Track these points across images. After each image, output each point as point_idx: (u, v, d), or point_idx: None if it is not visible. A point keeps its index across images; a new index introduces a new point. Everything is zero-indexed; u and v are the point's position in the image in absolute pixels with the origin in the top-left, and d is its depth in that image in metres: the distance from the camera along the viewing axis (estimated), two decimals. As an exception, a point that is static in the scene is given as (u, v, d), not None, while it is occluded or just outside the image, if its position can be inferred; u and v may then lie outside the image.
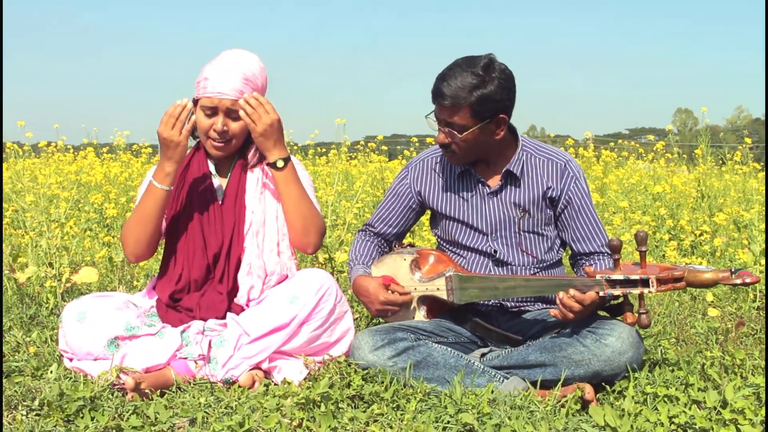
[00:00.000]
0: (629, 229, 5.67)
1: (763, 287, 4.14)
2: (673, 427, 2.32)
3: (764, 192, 5.99)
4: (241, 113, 2.85)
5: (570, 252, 3.06)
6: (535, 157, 2.97)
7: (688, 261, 4.82)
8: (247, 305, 2.96)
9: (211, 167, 3.05)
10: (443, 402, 2.49)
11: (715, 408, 2.35)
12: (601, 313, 2.83)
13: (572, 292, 2.61)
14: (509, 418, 2.34)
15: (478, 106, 2.73)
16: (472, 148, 2.85)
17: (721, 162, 8.24)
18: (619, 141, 11.93)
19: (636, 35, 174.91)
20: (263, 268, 2.99)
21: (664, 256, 5.32)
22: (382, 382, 2.64)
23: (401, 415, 2.43)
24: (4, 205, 6.26)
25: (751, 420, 2.27)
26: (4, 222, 5.92)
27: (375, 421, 2.42)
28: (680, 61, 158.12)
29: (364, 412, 2.45)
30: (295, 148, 10.95)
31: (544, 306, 3.02)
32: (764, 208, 5.20)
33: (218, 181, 3.05)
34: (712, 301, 4.20)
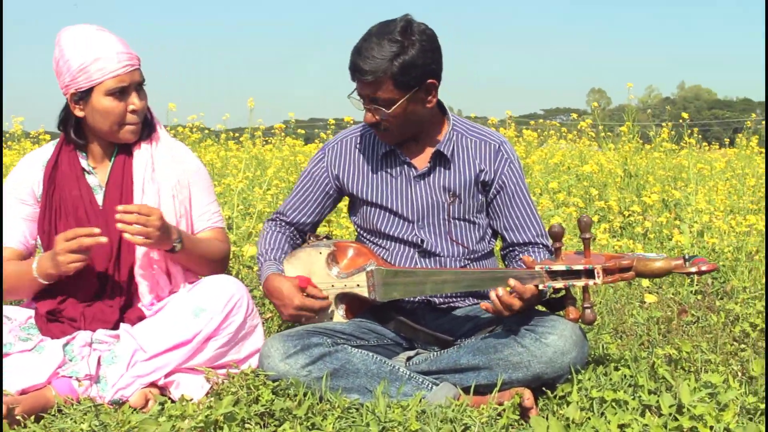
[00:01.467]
0: (556, 210, 5.45)
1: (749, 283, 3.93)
2: (625, 438, 2.06)
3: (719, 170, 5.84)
4: (127, 236, 2.46)
5: (502, 243, 2.78)
6: (466, 138, 2.69)
7: (619, 243, 4.60)
8: (151, 306, 2.61)
9: (85, 163, 2.67)
10: (365, 418, 2.18)
11: (670, 414, 2.10)
12: (541, 308, 2.56)
13: (513, 282, 2.33)
14: (442, 437, 2.04)
15: (401, 76, 2.43)
16: (405, 123, 2.56)
17: (644, 140, 8.12)
18: (540, 120, 11.79)
19: (546, 16, 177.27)
20: (164, 264, 2.64)
21: (594, 239, 5.10)
22: (295, 396, 2.31)
23: (317, 435, 2.12)
24: None
25: (712, 428, 2.02)
26: None
27: (287, 443, 2.11)
28: (592, 43, 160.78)
29: (275, 432, 2.13)
30: (206, 132, 10.49)
31: (477, 301, 2.74)
32: (711, 187, 5.04)
33: (95, 179, 2.67)
34: (649, 287, 3.99)
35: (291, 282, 2.59)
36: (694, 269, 2.23)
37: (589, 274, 2.29)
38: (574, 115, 7.32)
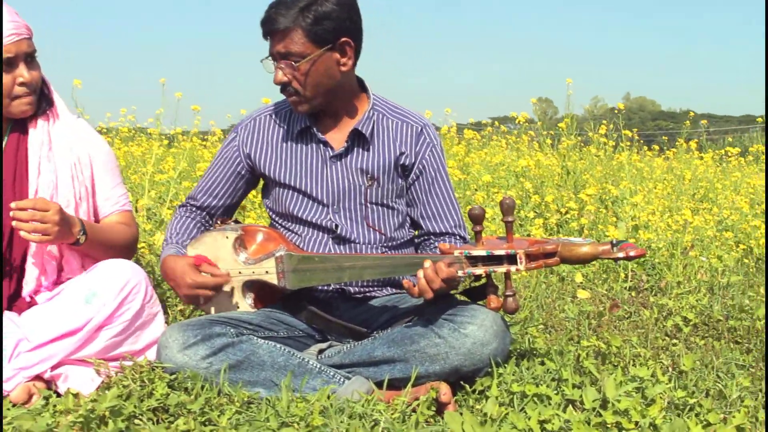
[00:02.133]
0: (493, 206, 5.32)
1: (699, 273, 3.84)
2: (545, 434, 1.91)
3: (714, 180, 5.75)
4: (23, 234, 2.27)
5: (418, 232, 2.63)
6: (388, 118, 2.53)
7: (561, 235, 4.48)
8: (34, 295, 2.41)
9: None
10: (265, 413, 2.00)
11: (594, 409, 1.96)
12: (462, 297, 2.41)
13: (428, 263, 2.17)
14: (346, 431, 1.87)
15: (314, 26, 2.31)
16: (317, 85, 2.40)
17: (583, 143, 8.04)
18: (488, 129, 11.66)
19: (491, 26, 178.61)
20: (59, 251, 2.44)
21: (529, 235, 4.98)
22: (193, 390, 2.13)
23: (211, 431, 1.94)
24: None
25: (637, 423, 1.89)
26: None
27: (178, 441, 1.92)
28: (539, 53, 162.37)
29: (167, 429, 1.95)
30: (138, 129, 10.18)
31: (395, 291, 2.58)
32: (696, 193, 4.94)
33: None
34: (582, 282, 3.88)
35: (185, 260, 2.41)
36: (621, 254, 2.09)
37: (511, 259, 2.15)
38: (521, 118, 7.19)
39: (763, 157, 8.27)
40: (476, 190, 5.80)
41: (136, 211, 4.16)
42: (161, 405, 2.07)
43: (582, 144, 8.23)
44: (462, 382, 2.24)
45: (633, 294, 3.72)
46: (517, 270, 2.15)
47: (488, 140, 10.33)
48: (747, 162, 10.36)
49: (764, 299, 3.45)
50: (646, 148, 10.75)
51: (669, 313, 3.22)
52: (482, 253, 2.16)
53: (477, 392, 2.22)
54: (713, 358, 2.62)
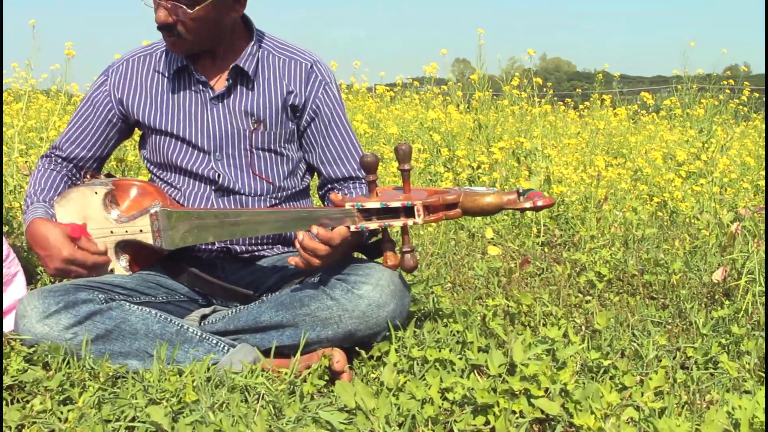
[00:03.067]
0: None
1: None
2: (446, 404, 1.74)
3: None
4: None
5: (319, 180, 2.42)
6: (273, 56, 2.32)
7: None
8: None
9: None
10: (132, 389, 1.78)
11: (500, 375, 1.79)
12: (359, 255, 2.22)
13: (316, 230, 1.98)
14: (219, 409, 1.67)
15: None
16: (204, 31, 2.18)
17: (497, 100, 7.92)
18: (399, 84, 11.48)
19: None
20: None
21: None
22: (50, 366, 1.90)
23: (69, 411, 1.71)
24: None
25: (547, 390, 1.73)
26: None
27: (33, 422, 1.70)
28: (456, 12, 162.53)
29: (20, 411, 1.71)
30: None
31: (285, 250, 2.38)
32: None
33: None
34: (492, 238, 3.73)
35: (61, 230, 2.15)
36: (528, 204, 1.92)
37: (408, 212, 1.96)
38: (431, 69, 7.01)
39: (678, 111, 8.26)
40: (384, 144, 5.60)
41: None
42: (16, 382, 1.84)
43: (495, 99, 8.10)
44: (357, 348, 2.05)
45: (546, 250, 3.59)
46: (415, 223, 1.96)
47: (401, 96, 10.15)
48: (660, 117, 10.38)
49: (610, 244, 3.35)
50: (561, 104, 10.69)
51: (582, 268, 3.09)
52: (376, 205, 1.96)
53: (374, 359, 2.04)
54: (628, 315, 2.49)
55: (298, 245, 2.01)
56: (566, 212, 4.06)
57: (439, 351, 1.97)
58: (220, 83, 2.27)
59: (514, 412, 1.69)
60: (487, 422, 1.69)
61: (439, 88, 7.41)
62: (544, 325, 2.32)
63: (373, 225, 1.98)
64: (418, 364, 1.96)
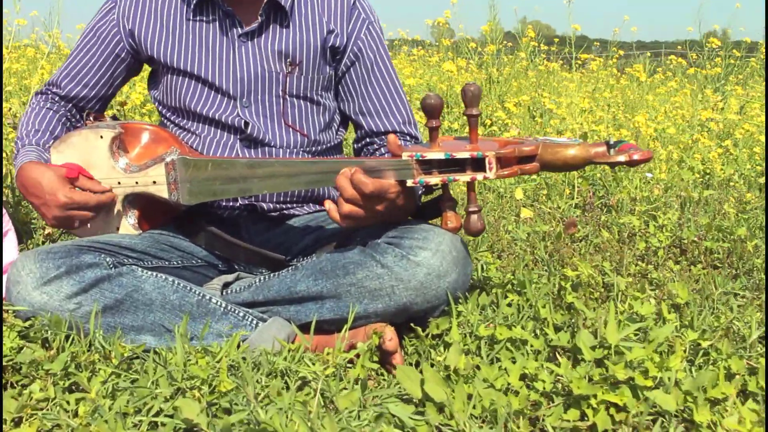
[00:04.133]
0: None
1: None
2: (532, 394, 1.45)
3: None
4: None
5: (356, 133, 2.12)
6: None
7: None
8: None
9: None
10: (152, 374, 1.48)
11: (596, 361, 1.50)
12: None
13: (356, 175, 1.66)
14: (260, 400, 1.37)
15: None
16: None
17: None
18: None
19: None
20: None
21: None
22: (51, 344, 1.60)
23: (77, 402, 1.41)
24: None
25: (657, 379, 1.44)
26: None
27: (33, 414, 1.40)
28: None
29: (17, 399, 1.42)
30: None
31: (318, 208, 2.07)
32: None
33: None
34: (521, 199, 3.43)
35: (54, 171, 1.84)
36: (622, 158, 1.62)
37: (478, 164, 1.66)
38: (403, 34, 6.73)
39: (691, 71, 7.96)
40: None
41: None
42: (11, 363, 1.54)
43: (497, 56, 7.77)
44: (412, 324, 1.76)
45: (580, 213, 3.30)
46: (485, 178, 1.66)
47: (398, 52, 9.80)
48: (655, 82, 10.07)
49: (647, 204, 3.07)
50: (559, 63, 10.38)
51: (632, 233, 2.80)
52: (439, 155, 1.66)
53: (432, 337, 1.75)
54: (704, 287, 2.21)
55: (342, 183, 1.68)
56: (594, 172, 3.77)
57: (510, 329, 1.68)
58: (250, 18, 1.96)
59: (616, 406, 1.40)
60: (583, 416, 1.40)
61: (449, 40, 7.06)
62: (616, 297, 2.03)
63: (435, 179, 1.68)
64: (485, 344, 1.67)
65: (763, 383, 1.50)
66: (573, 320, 1.77)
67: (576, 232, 2.77)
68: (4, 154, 2.86)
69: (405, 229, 1.77)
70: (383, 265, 1.72)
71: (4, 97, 3.70)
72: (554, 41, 7.84)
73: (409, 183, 1.68)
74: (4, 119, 3.58)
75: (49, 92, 2.09)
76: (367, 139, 2.10)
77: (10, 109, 3.57)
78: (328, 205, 1.69)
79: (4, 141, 3.10)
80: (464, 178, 1.66)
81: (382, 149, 2.06)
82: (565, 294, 1.87)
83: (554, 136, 1.72)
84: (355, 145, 2.15)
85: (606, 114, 4.62)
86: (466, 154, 1.64)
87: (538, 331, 1.72)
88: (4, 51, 5.39)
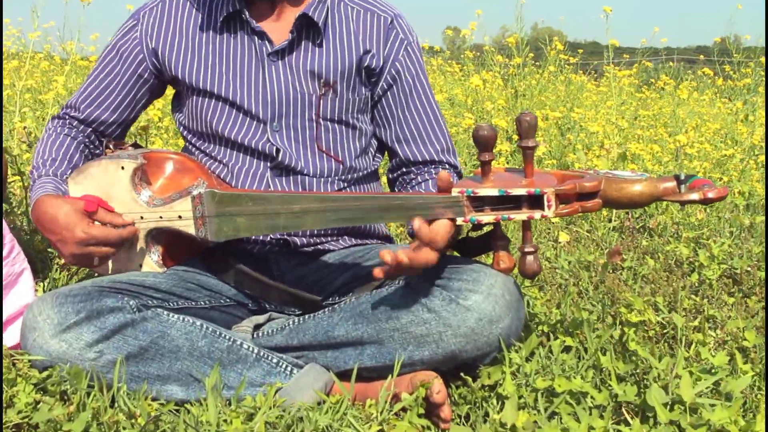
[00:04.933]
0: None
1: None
2: (602, 460, 1.31)
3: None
4: None
5: (391, 162, 1.99)
6: (346, 6, 1.90)
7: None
8: None
9: None
10: (183, 435, 1.36)
11: (675, 424, 1.37)
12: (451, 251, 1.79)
13: (417, 224, 1.52)
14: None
15: None
16: None
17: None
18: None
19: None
20: None
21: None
22: (70, 397, 1.47)
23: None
24: None
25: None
26: None
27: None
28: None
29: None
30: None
31: (357, 241, 1.94)
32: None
33: None
34: (557, 223, 3.30)
35: (72, 205, 1.71)
36: (695, 196, 1.48)
37: (534, 201, 1.53)
38: (426, 44, 6.57)
39: (720, 81, 7.81)
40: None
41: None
42: (27, 421, 1.42)
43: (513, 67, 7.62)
44: (461, 374, 1.63)
45: (618, 236, 3.16)
46: (543, 217, 1.53)
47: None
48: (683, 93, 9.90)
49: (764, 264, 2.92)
50: (578, 74, 10.23)
51: (679, 262, 2.66)
52: (493, 192, 1.53)
53: (483, 387, 1.62)
54: (763, 322, 2.07)
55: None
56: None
57: (569, 380, 1.54)
58: (280, 35, 1.83)
59: (696, 476, 1.27)
60: (659, 487, 1.27)
61: (473, 53, 6.93)
62: (662, 337, 1.89)
63: (487, 218, 1.55)
64: (543, 396, 1.54)
65: None
66: (637, 370, 1.63)
67: (619, 260, 2.63)
68: (21, 181, 2.74)
69: (453, 269, 1.64)
70: (430, 309, 1.59)
71: (18, 114, 3.58)
72: (578, 52, 7.70)
73: (460, 221, 1.55)
74: (19, 138, 3.47)
75: (67, 116, 1.97)
76: (403, 169, 1.98)
77: (25, 128, 3.46)
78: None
79: (21, 163, 2.98)
80: (520, 216, 1.53)
81: (419, 178, 1.93)
82: (626, 339, 1.73)
83: (618, 170, 1.59)
84: (390, 175, 2.03)
85: (644, 132, 4.48)
86: (522, 191, 1.52)
87: (599, 382, 1.59)
88: (18, 64, 5.30)
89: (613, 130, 3.96)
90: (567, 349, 1.81)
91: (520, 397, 1.56)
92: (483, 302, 1.58)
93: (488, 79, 5.58)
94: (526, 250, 1.56)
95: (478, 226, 1.64)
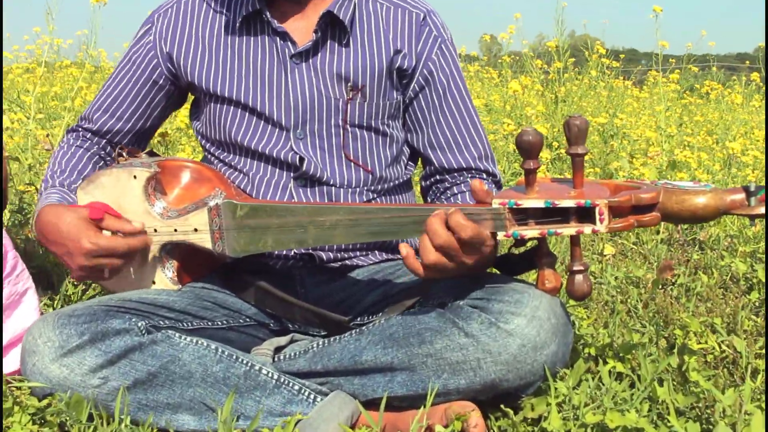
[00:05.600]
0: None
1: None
2: None
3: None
4: None
5: (424, 170, 1.85)
6: (375, 2, 1.76)
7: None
8: None
9: None
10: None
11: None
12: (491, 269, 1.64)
13: (457, 218, 1.37)
14: None
15: None
16: None
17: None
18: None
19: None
20: None
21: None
22: (71, 425, 1.34)
23: None
24: None
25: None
26: None
27: None
28: None
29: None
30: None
31: (385, 257, 1.80)
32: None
33: None
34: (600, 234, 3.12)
35: (75, 213, 1.58)
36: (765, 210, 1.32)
37: (584, 214, 1.37)
38: (463, 49, 6.44)
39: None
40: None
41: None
42: (20, 453, 1.29)
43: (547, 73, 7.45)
44: (501, 406, 1.48)
45: (666, 249, 2.99)
46: (594, 231, 1.37)
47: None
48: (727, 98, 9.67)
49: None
50: (619, 79, 10.02)
51: (734, 278, 2.49)
52: (538, 203, 1.38)
53: (527, 421, 1.46)
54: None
55: (434, 226, 1.39)
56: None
57: (623, 414, 1.39)
58: (304, 35, 1.70)
59: None
60: None
61: (510, 57, 6.77)
62: (722, 362, 1.73)
63: (532, 232, 1.39)
64: (593, 431, 1.38)
65: None
66: (699, 403, 1.47)
67: (670, 275, 2.46)
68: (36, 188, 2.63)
69: (492, 289, 1.49)
70: (467, 334, 1.44)
71: (33, 121, 3.47)
72: (620, 56, 7.51)
73: (501, 236, 1.40)
74: (42, 146, 3.37)
75: (80, 129, 1.86)
76: (437, 177, 1.83)
77: (48, 135, 3.35)
78: (405, 250, 1.41)
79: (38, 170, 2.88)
80: (568, 231, 1.38)
81: (454, 189, 1.78)
82: (687, 368, 1.57)
83: (678, 181, 1.43)
84: (423, 183, 1.88)
85: (692, 139, 4.30)
86: (571, 203, 1.36)
87: (656, 417, 1.43)
88: (45, 70, 5.25)
89: (659, 137, 3.77)
90: (618, 377, 1.65)
91: (567, 431, 1.40)
92: (526, 326, 1.42)
93: (527, 84, 5.41)
94: (575, 268, 1.41)
95: (521, 241, 1.48)
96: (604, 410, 1.40)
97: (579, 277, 1.41)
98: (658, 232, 3.12)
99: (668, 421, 1.37)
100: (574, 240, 1.42)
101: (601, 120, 4.37)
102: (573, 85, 5.67)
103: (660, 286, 2.38)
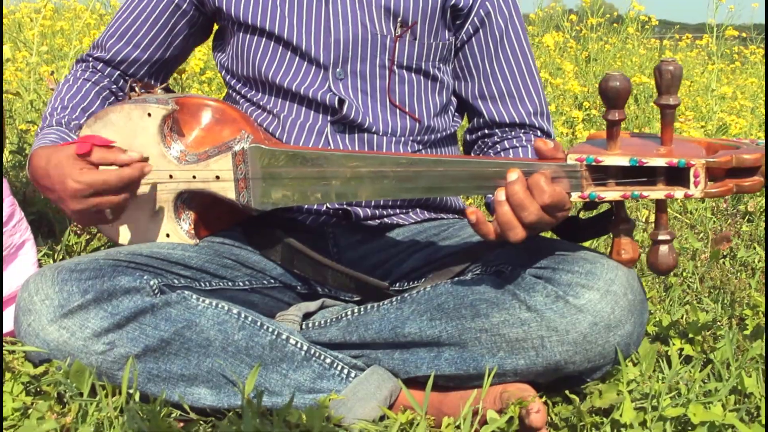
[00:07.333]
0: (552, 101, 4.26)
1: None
2: None
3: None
4: None
5: (470, 123, 1.66)
6: None
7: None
8: None
9: None
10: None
11: None
12: (553, 236, 1.46)
13: (536, 178, 1.19)
14: None
15: None
16: None
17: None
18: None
19: None
20: None
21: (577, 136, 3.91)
22: (71, 397, 1.16)
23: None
24: None
25: None
26: None
27: None
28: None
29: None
30: None
31: (428, 216, 1.61)
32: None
33: None
34: (646, 203, 2.94)
35: (62, 152, 1.37)
36: None
37: (675, 175, 1.19)
38: None
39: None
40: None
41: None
42: (14, 427, 1.11)
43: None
44: (566, 390, 1.30)
45: (715, 219, 2.80)
46: (687, 196, 1.19)
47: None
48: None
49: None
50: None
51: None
52: (622, 161, 1.19)
53: (594, 411, 1.28)
54: None
55: (500, 196, 1.21)
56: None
57: (706, 407, 1.21)
58: None
59: None
60: None
61: (542, 10, 6.51)
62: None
63: (613, 194, 1.21)
64: (671, 426, 1.21)
65: None
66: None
67: (727, 247, 2.28)
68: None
69: (560, 257, 1.31)
70: (530, 308, 1.26)
71: (51, 62, 3.26)
72: (650, 19, 7.25)
73: (575, 198, 1.22)
74: (47, 85, 3.17)
75: (91, 58, 1.66)
76: (486, 131, 1.64)
77: (52, 73, 3.15)
78: (475, 217, 1.22)
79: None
80: (656, 195, 1.19)
81: (505, 143, 1.59)
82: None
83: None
84: (468, 136, 1.69)
85: (748, 102, 4.10)
86: (661, 161, 1.17)
87: (744, 413, 1.25)
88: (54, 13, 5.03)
89: (705, 101, 3.57)
90: (686, 360, 1.48)
91: (641, 423, 1.23)
92: (599, 302, 1.24)
93: (559, 41, 5.19)
94: (660, 237, 1.22)
95: (591, 204, 1.30)
96: (686, 401, 1.23)
97: (664, 248, 1.22)
98: (702, 201, 2.92)
99: (759, 417, 1.20)
100: (660, 205, 1.24)
101: (641, 79, 4.16)
102: (607, 44, 5.44)
103: (717, 259, 2.19)
